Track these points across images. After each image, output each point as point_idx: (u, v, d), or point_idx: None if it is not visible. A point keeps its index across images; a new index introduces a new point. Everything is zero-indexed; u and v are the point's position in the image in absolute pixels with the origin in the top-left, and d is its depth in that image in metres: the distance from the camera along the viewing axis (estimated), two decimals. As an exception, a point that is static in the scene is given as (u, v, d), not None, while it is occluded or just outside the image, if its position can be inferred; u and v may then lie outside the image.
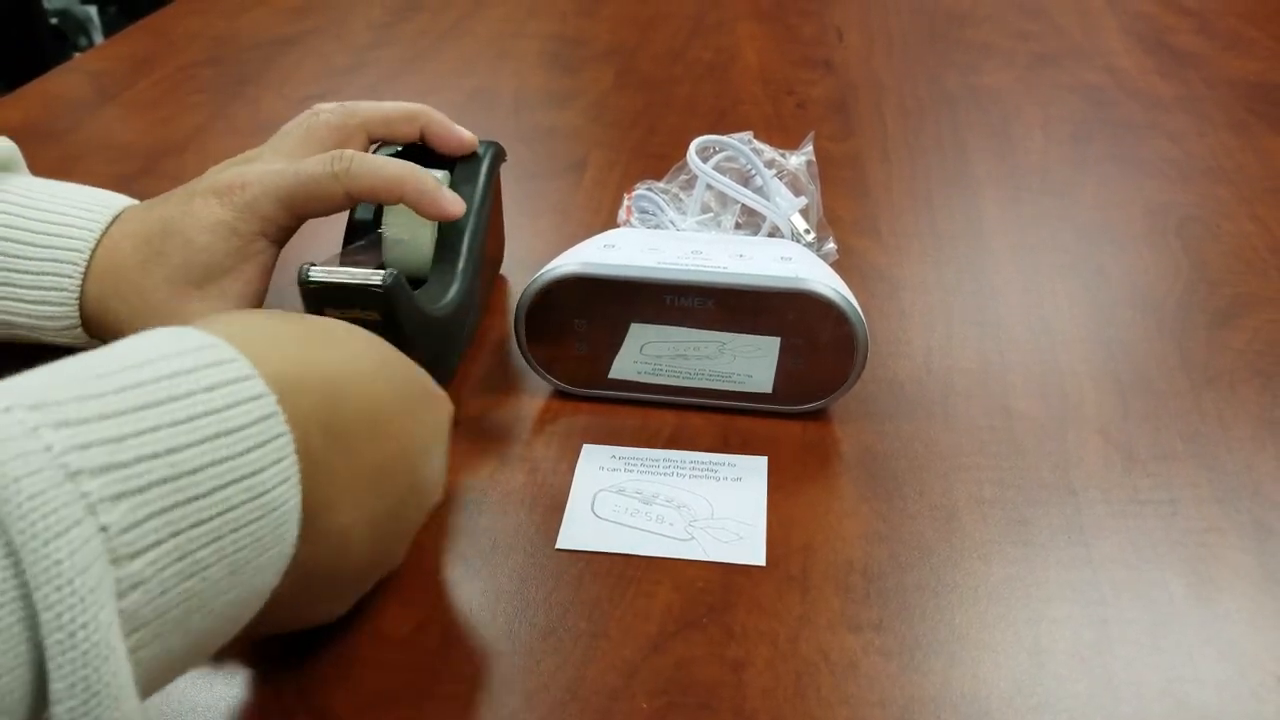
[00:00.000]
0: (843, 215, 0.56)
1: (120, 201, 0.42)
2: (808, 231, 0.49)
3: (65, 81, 0.73)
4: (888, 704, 0.30)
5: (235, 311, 0.30)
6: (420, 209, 0.39)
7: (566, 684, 0.31)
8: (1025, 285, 0.50)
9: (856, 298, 0.39)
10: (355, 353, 0.30)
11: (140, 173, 0.60)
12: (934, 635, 0.32)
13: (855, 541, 0.36)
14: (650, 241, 0.41)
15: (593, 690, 0.30)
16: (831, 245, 0.49)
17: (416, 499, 0.31)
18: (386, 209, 0.42)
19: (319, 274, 0.36)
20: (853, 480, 0.38)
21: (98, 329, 0.40)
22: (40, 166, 0.60)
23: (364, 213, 0.43)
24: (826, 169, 0.58)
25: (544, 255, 0.42)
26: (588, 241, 0.42)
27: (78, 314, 0.40)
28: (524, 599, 0.33)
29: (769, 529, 0.36)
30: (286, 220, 0.40)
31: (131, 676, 0.20)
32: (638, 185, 0.51)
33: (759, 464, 0.39)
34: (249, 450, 0.23)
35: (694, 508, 0.37)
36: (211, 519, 0.22)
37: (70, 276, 0.39)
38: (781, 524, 0.36)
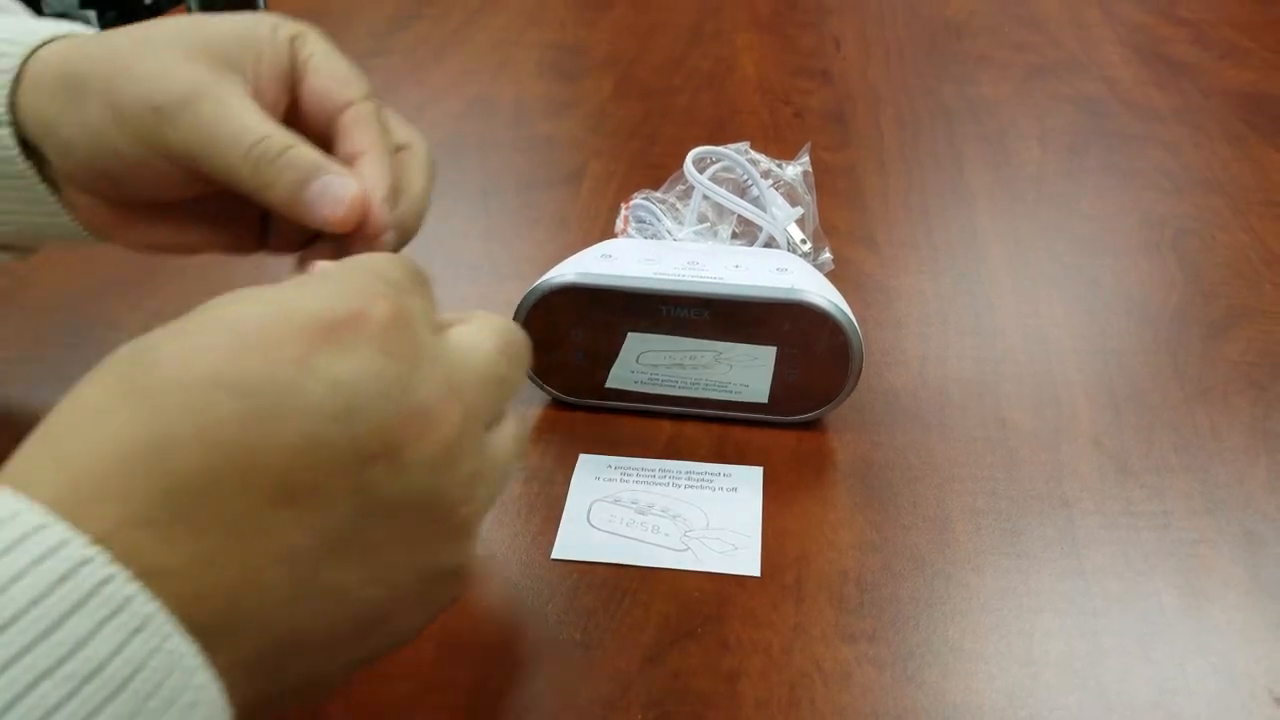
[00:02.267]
0: (839, 225, 0.56)
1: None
2: (804, 242, 0.49)
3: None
4: (881, 715, 0.30)
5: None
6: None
7: (562, 695, 0.31)
8: (1021, 296, 0.50)
9: (852, 308, 0.39)
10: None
11: (140, 180, 0.60)
12: (927, 646, 0.32)
13: (849, 552, 0.36)
14: (647, 252, 0.42)
15: (588, 701, 0.31)
16: (827, 255, 0.50)
17: (410, 534, 0.23)
18: None
19: None
20: (847, 490, 0.39)
21: (33, 123, 0.31)
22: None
23: None
24: (823, 179, 0.58)
25: (541, 264, 0.42)
26: (585, 251, 0.42)
27: (8, 99, 0.31)
28: (519, 609, 0.33)
29: (764, 539, 0.36)
30: None
31: None
32: (635, 195, 0.52)
33: (754, 474, 0.39)
34: (57, 624, 0.17)
35: (689, 518, 0.37)
36: None
37: (7, 55, 0.31)
38: (776, 534, 0.36)
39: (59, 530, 0.18)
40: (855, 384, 0.40)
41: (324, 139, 0.32)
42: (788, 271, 0.40)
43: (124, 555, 0.18)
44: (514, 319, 0.40)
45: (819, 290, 0.39)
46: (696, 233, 0.49)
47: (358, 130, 0.32)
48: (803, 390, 0.40)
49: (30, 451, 0.20)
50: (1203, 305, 0.50)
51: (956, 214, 0.57)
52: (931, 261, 0.53)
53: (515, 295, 0.40)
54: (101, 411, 0.20)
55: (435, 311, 0.26)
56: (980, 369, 0.45)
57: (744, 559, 0.35)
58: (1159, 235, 0.56)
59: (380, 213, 0.31)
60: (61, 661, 0.17)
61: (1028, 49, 0.81)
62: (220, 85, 0.30)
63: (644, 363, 0.41)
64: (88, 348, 0.46)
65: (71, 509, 0.18)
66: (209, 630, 0.19)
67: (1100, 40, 0.83)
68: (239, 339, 0.21)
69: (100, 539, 0.18)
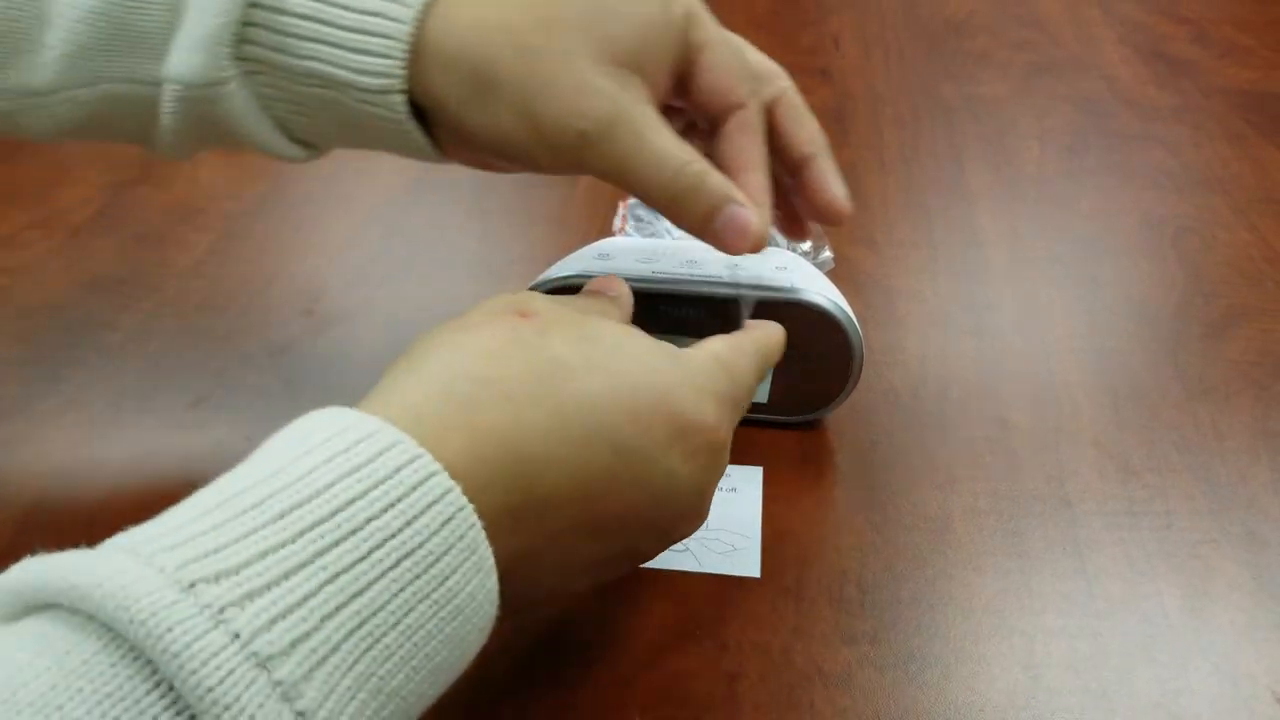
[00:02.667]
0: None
1: None
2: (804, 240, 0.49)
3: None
4: (882, 717, 0.30)
5: (435, 364, 0.25)
6: None
7: (561, 697, 0.30)
8: (1021, 296, 0.50)
9: (852, 307, 0.39)
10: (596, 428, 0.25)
11: (134, 180, 0.60)
12: (928, 647, 0.32)
13: (850, 553, 0.36)
14: (645, 251, 0.41)
15: (588, 704, 0.30)
16: (828, 254, 0.49)
17: (627, 566, 0.29)
18: None
19: None
20: (848, 491, 0.38)
21: (428, 98, 0.31)
22: (31, 176, 0.60)
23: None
24: (822, 178, 0.57)
25: (539, 264, 0.42)
26: (582, 250, 0.42)
27: (405, 70, 0.30)
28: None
29: (764, 540, 0.36)
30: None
31: None
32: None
33: (754, 474, 0.39)
34: (436, 561, 0.21)
35: (688, 519, 0.37)
36: (403, 644, 0.21)
37: (400, 21, 0.30)
38: (776, 535, 0.36)
39: (445, 480, 0.22)
40: (856, 384, 0.39)
41: (701, 126, 0.33)
42: (787, 270, 0.40)
43: (484, 522, 0.22)
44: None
45: (820, 289, 0.39)
46: (695, 232, 0.49)
47: (743, 141, 0.33)
48: (803, 390, 0.40)
49: (438, 405, 0.24)
50: (1203, 305, 0.49)
51: (957, 213, 0.57)
52: (931, 261, 0.53)
53: (513, 295, 0.40)
54: (517, 404, 0.25)
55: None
56: (981, 369, 0.45)
57: (744, 560, 0.35)
58: (1159, 234, 0.55)
59: (766, 236, 0.32)
60: (435, 588, 0.21)
61: (1027, 48, 0.81)
62: (634, 105, 0.30)
63: (643, 363, 0.41)
64: (83, 348, 0.46)
65: (466, 468, 0.23)
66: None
67: (1100, 39, 0.83)
68: (629, 402, 0.26)
69: (473, 500, 0.22)
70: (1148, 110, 0.70)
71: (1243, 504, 0.38)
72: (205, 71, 0.31)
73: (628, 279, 0.39)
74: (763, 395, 0.40)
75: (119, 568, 0.18)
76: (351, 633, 0.20)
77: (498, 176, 0.61)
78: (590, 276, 0.39)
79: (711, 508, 0.37)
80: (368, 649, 0.20)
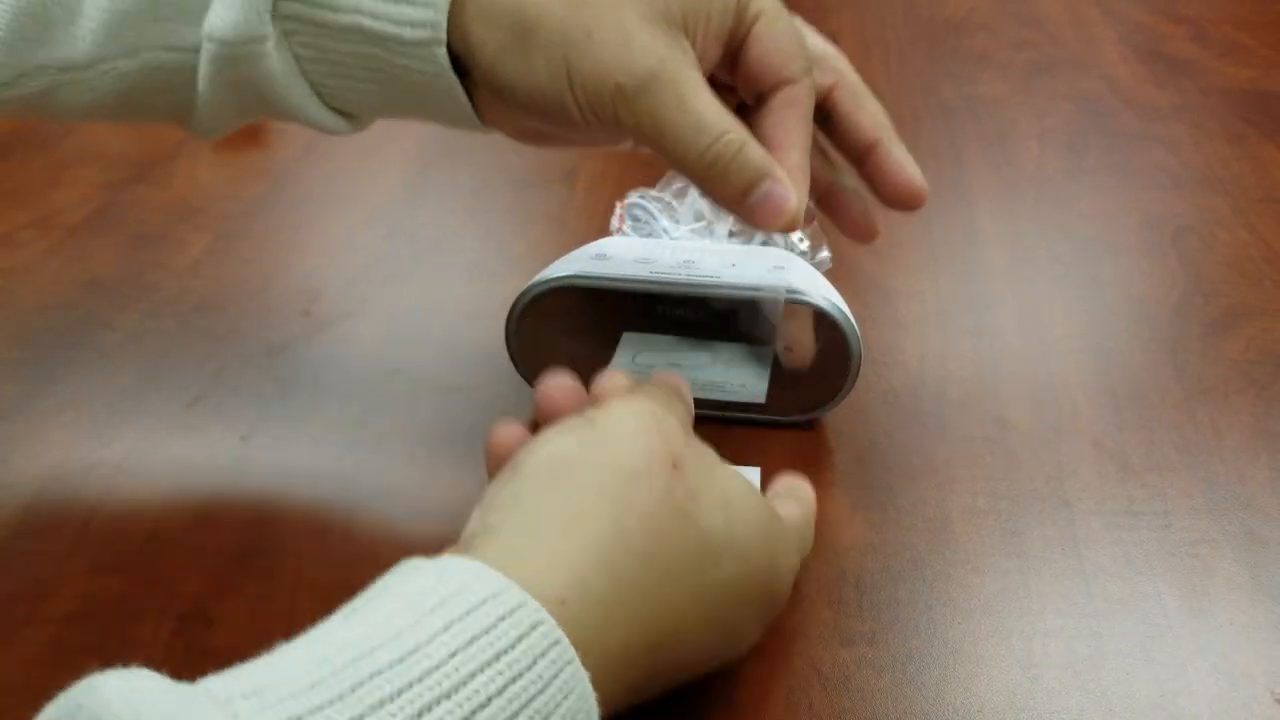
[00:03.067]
0: (837, 224, 0.55)
1: None
2: (801, 240, 0.48)
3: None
4: (880, 719, 0.30)
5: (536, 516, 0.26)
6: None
7: (556, 698, 0.30)
8: (1020, 295, 0.50)
9: (850, 307, 0.39)
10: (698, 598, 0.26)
11: (133, 180, 0.60)
12: (927, 648, 0.32)
13: (848, 553, 0.35)
14: (642, 251, 0.41)
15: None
16: (826, 254, 0.49)
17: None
18: None
19: None
20: (846, 491, 0.38)
21: (465, 49, 0.30)
22: (28, 175, 0.60)
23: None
24: (821, 178, 0.57)
25: (535, 265, 0.42)
26: (579, 250, 0.42)
27: (445, 20, 0.29)
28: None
29: (761, 540, 0.36)
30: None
31: None
32: (630, 194, 0.51)
33: (752, 475, 0.38)
34: (534, 698, 0.21)
35: (686, 519, 0.36)
36: None
37: None
38: (774, 535, 0.36)
39: (543, 616, 0.22)
40: (854, 384, 0.39)
41: (747, 101, 0.32)
42: (785, 270, 0.40)
43: (575, 627, 0.22)
44: (508, 320, 0.40)
45: (817, 289, 0.39)
46: (693, 231, 0.49)
47: (787, 117, 0.31)
48: (801, 390, 0.40)
49: (607, 591, 0.24)
50: (1203, 304, 0.49)
51: (956, 213, 0.57)
52: (930, 261, 0.53)
53: (509, 295, 0.40)
54: (673, 583, 0.26)
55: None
56: (979, 369, 0.45)
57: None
58: (1159, 234, 0.55)
59: (801, 216, 0.31)
60: (530, 701, 0.21)
61: (1027, 47, 0.80)
62: (679, 66, 0.29)
63: (640, 363, 0.41)
64: (80, 348, 0.46)
65: (556, 593, 0.23)
66: (596, 681, 0.23)
67: (1100, 38, 0.83)
68: (750, 590, 0.28)
69: (566, 621, 0.22)
70: (1147, 109, 0.70)
71: (1241, 503, 0.38)
72: (242, 27, 0.30)
73: (625, 279, 0.39)
74: (760, 396, 0.40)
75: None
76: None
77: (496, 178, 0.61)
78: (587, 276, 0.39)
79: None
80: None
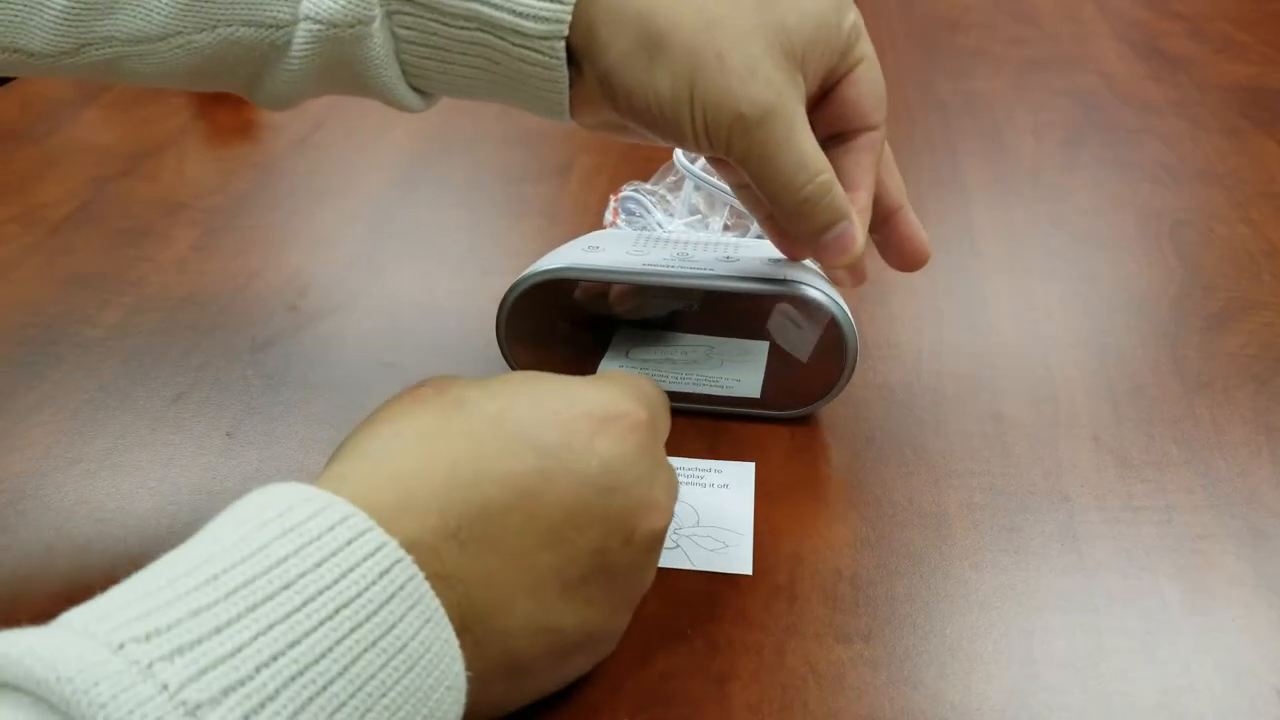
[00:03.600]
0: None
1: None
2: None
3: (44, 83, 0.72)
4: (876, 717, 0.29)
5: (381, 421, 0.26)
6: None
7: (546, 698, 0.30)
8: (1016, 290, 0.49)
9: (845, 301, 0.38)
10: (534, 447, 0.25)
11: (120, 174, 0.59)
12: (924, 646, 0.31)
13: (844, 549, 0.35)
14: (635, 243, 0.41)
15: (575, 705, 0.29)
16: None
17: (615, 594, 0.27)
18: None
19: None
20: (842, 486, 0.38)
21: (584, 46, 0.30)
22: (16, 170, 0.59)
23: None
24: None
25: (528, 260, 0.41)
26: (571, 243, 0.41)
27: (569, 16, 0.29)
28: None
29: (756, 537, 0.35)
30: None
31: None
32: (624, 187, 0.51)
33: (746, 470, 0.38)
34: (377, 610, 0.21)
35: (680, 515, 0.36)
36: (354, 695, 0.20)
37: None
38: (769, 532, 0.35)
39: (380, 535, 0.22)
40: (850, 378, 0.39)
41: (826, 140, 0.33)
42: (781, 263, 0.39)
43: (429, 557, 0.22)
44: (499, 313, 0.39)
45: (813, 282, 0.38)
46: (688, 224, 0.48)
47: (866, 160, 0.33)
48: (796, 385, 0.39)
49: (358, 465, 0.25)
50: (1201, 298, 0.49)
51: (951, 207, 0.57)
52: (926, 255, 0.52)
53: (501, 289, 0.39)
54: (429, 438, 0.25)
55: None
56: (976, 363, 0.44)
57: (735, 557, 0.34)
58: (1156, 228, 0.55)
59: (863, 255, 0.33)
60: (380, 637, 0.21)
61: (1022, 43, 0.80)
62: (793, 101, 0.30)
63: (634, 357, 0.40)
64: (61, 344, 0.45)
65: (397, 514, 0.23)
66: (466, 634, 0.23)
67: (1095, 34, 0.82)
68: (542, 412, 0.26)
69: (414, 542, 0.22)
70: (1144, 105, 0.69)
71: (1243, 498, 0.37)
72: (351, 10, 0.30)
73: (618, 272, 0.38)
74: (755, 390, 0.40)
75: (50, 639, 0.18)
76: (290, 680, 0.19)
77: (489, 173, 0.60)
78: (580, 269, 0.38)
79: (703, 504, 0.36)
80: (312, 697, 0.20)
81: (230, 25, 0.31)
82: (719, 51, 0.29)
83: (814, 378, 0.39)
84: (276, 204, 0.56)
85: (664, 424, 0.30)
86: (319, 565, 0.21)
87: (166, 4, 0.30)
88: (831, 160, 0.33)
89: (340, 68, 0.31)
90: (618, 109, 0.31)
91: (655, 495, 0.27)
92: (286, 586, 0.20)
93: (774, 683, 0.30)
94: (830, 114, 0.33)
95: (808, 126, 0.31)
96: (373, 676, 0.21)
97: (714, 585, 0.33)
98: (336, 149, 0.62)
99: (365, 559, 0.21)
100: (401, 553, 0.22)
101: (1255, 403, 0.42)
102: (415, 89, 0.33)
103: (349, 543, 0.21)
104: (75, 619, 0.19)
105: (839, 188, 0.32)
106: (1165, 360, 0.44)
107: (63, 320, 0.46)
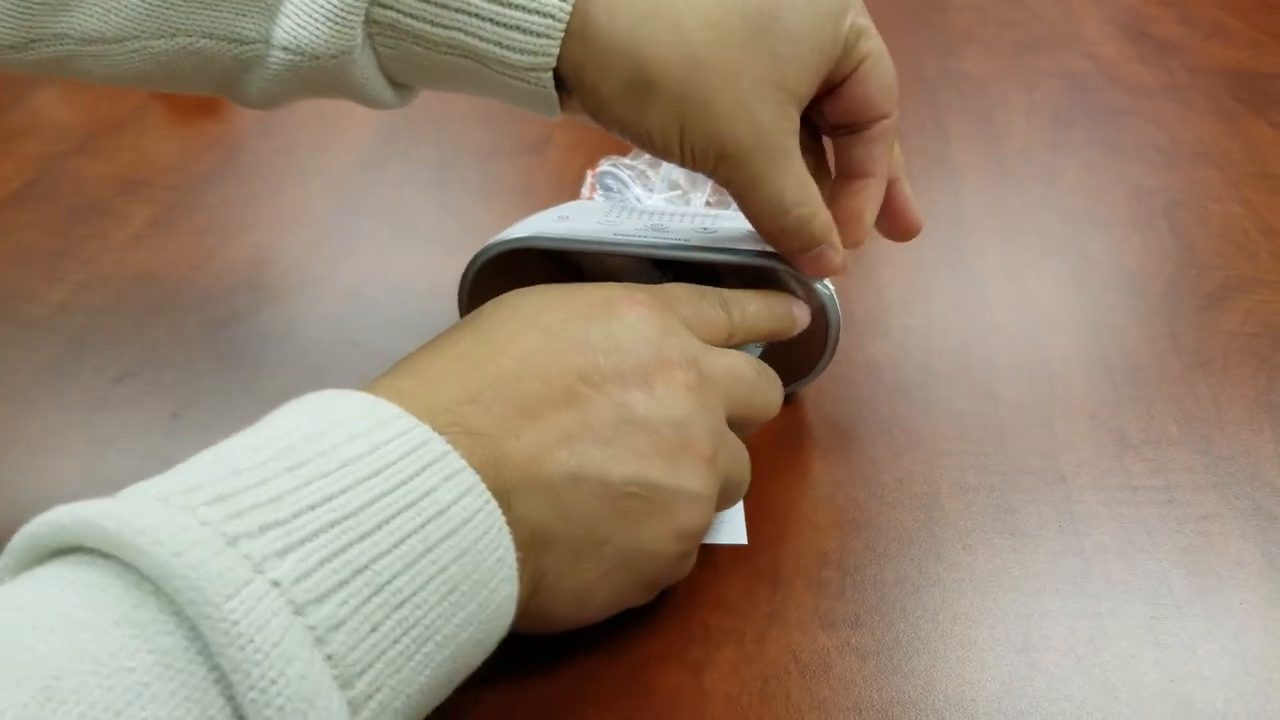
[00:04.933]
0: (817, 197, 0.53)
1: None
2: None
3: None
4: (864, 708, 0.27)
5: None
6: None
7: (507, 692, 0.27)
8: (1008, 268, 0.48)
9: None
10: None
11: (75, 151, 0.56)
12: (915, 632, 0.29)
13: (829, 532, 0.33)
14: (608, 214, 0.39)
15: (535, 699, 0.27)
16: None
17: (661, 446, 0.27)
18: None
19: None
20: (827, 467, 0.36)
21: (575, 79, 0.30)
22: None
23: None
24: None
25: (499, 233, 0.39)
26: (541, 213, 0.39)
27: (556, 50, 0.29)
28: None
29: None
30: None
31: None
32: (602, 161, 0.49)
33: (725, 449, 0.36)
34: (415, 475, 0.22)
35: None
36: (395, 546, 0.21)
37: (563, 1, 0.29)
38: (751, 514, 0.33)
39: (409, 424, 0.23)
40: (833, 354, 0.37)
41: (836, 128, 0.33)
42: (759, 235, 0.37)
43: (450, 421, 0.23)
44: (460, 286, 0.37)
45: (794, 251, 0.36)
46: (668, 199, 0.46)
47: (877, 149, 0.33)
48: (777, 361, 0.37)
49: (413, 362, 0.26)
50: (1197, 277, 0.47)
51: (940, 186, 0.55)
52: (914, 233, 0.50)
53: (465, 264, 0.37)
54: (439, 342, 0.27)
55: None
56: (967, 341, 0.42)
57: (729, 529, 0.32)
58: (1149, 207, 0.53)
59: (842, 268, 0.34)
60: (416, 502, 0.22)
61: (1012, 25, 0.78)
62: (780, 138, 0.30)
63: (607, 332, 0.38)
64: (5, 322, 0.42)
65: (415, 390, 0.24)
66: (503, 492, 0.23)
67: (1085, 17, 0.81)
68: (546, 301, 0.28)
69: (435, 409, 0.24)
70: (1135, 88, 0.68)
71: (1248, 477, 0.35)
72: (332, 43, 0.29)
73: (588, 241, 0.36)
74: (736, 368, 0.38)
75: (158, 520, 0.18)
76: (330, 525, 0.20)
77: (461, 149, 0.58)
78: (547, 238, 0.36)
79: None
80: (350, 543, 0.20)
81: (190, 35, 0.30)
82: (706, 98, 0.29)
83: (796, 354, 0.37)
84: (240, 181, 0.54)
85: (692, 313, 0.30)
86: (360, 436, 0.22)
87: (124, 5, 0.29)
88: (842, 149, 0.33)
89: (318, 86, 0.32)
90: (609, 130, 0.32)
91: (668, 354, 0.27)
92: (324, 453, 0.21)
93: (754, 673, 0.28)
94: (839, 109, 0.33)
95: (795, 157, 0.31)
96: (413, 533, 0.21)
97: (692, 570, 0.31)
98: (304, 126, 0.59)
99: (398, 437, 0.22)
100: (433, 434, 0.23)
101: (1256, 380, 0.40)
102: (403, 85, 0.33)
103: (389, 434, 0.22)
104: (173, 494, 0.19)
105: (820, 218, 0.32)
106: (1163, 338, 0.43)
107: (4, 298, 0.44)
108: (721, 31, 0.29)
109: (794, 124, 0.31)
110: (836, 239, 0.33)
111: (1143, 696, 0.28)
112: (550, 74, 0.30)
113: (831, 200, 0.34)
